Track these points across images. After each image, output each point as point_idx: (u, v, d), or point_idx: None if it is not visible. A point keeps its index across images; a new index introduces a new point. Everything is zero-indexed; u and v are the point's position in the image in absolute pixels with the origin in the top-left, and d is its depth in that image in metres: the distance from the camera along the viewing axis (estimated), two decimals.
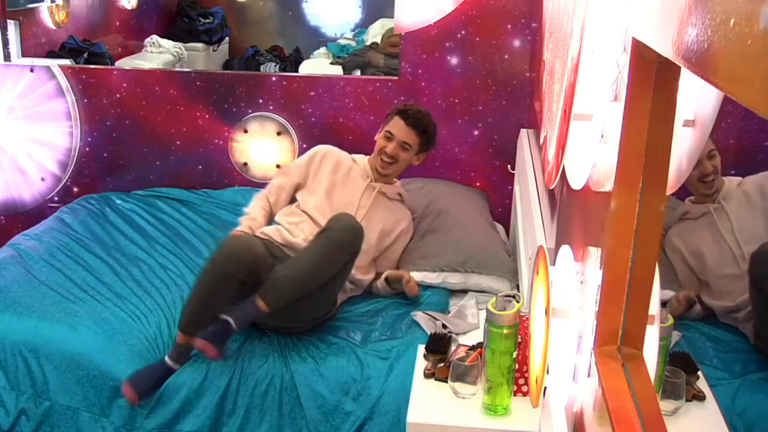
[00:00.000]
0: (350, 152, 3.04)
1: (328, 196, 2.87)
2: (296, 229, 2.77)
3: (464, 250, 2.91)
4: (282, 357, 2.49)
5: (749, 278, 2.02)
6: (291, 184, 2.96)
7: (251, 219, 2.87)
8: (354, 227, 2.46)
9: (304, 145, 3.67)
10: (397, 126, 2.83)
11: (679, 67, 0.87)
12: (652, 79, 0.96)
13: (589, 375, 1.15)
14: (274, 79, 3.71)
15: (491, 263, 2.89)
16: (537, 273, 1.62)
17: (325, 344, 2.55)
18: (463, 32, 3.48)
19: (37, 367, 2.55)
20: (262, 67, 5.82)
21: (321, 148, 3.02)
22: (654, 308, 1.08)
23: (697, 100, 1.02)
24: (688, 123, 1.03)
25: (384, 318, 2.71)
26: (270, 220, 2.92)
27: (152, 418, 2.48)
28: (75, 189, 3.85)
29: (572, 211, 1.61)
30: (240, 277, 2.41)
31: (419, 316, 2.62)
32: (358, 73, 4.76)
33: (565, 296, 1.35)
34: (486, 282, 2.85)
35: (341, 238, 2.43)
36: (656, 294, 1.09)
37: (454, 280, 2.87)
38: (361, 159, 3.00)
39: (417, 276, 2.88)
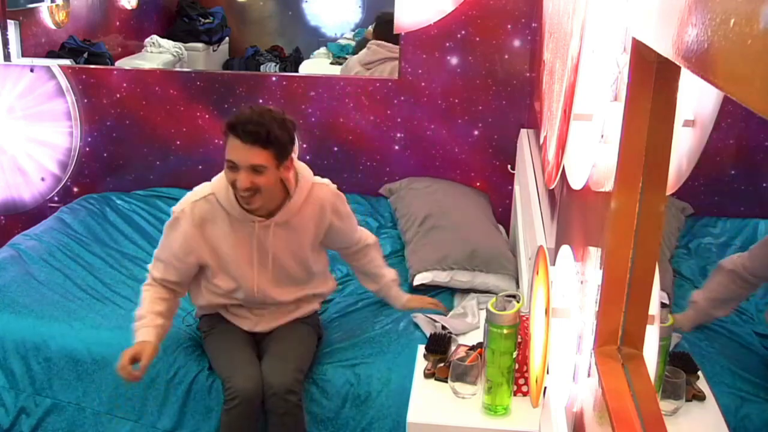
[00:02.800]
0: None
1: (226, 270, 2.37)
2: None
3: (471, 249, 2.91)
4: None
5: None
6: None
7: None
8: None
9: (304, 145, 3.68)
10: (233, 150, 2.15)
11: (679, 67, 0.87)
12: (652, 79, 0.96)
13: (589, 375, 1.15)
14: (274, 79, 3.71)
15: (497, 262, 2.89)
16: (537, 273, 1.62)
17: (324, 347, 2.55)
18: (463, 32, 3.47)
19: (36, 365, 2.56)
20: (262, 67, 5.82)
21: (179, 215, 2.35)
22: (654, 308, 1.08)
23: (697, 100, 1.02)
24: (688, 123, 1.03)
25: (384, 318, 2.71)
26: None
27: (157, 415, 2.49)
28: (75, 189, 3.85)
29: (572, 211, 1.61)
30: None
31: (419, 318, 2.61)
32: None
33: (565, 296, 1.35)
34: (492, 281, 2.85)
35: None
36: (656, 294, 1.09)
37: (462, 278, 2.87)
38: (225, 196, 2.29)
39: (427, 276, 2.88)
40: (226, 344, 2.42)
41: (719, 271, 2.18)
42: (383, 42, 4.00)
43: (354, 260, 2.61)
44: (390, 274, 2.61)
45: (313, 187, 2.35)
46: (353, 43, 5.54)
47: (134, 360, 2.20)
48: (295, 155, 2.28)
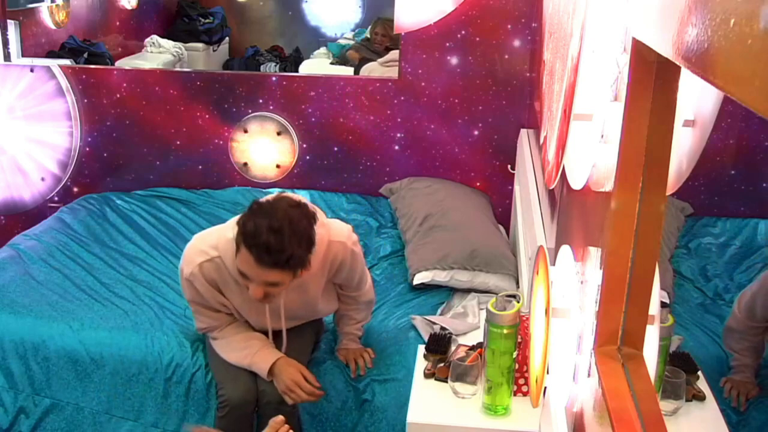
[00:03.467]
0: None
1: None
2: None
3: (471, 249, 2.91)
4: None
5: None
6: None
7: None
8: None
9: (304, 145, 3.68)
10: (248, 265, 2.02)
11: (679, 67, 0.87)
12: (652, 79, 0.96)
13: (589, 375, 1.15)
14: (274, 79, 3.71)
15: (497, 262, 2.89)
16: (537, 273, 1.62)
17: (325, 347, 2.55)
18: (463, 32, 3.47)
19: (35, 365, 2.56)
20: (262, 67, 5.82)
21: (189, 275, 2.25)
22: (654, 308, 1.08)
23: (697, 100, 1.02)
24: (688, 123, 1.03)
25: (384, 318, 2.71)
26: None
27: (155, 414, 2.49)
28: (75, 189, 3.84)
29: (572, 211, 1.61)
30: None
31: (417, 320, 2.61)
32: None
33: (565, 296, 1.35)
34: (492, 281, 2.85)
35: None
36: (656, 294, 1.09)
37: (462, 278, 2.87)
38: (232, 264, 2.17)
39: (427, 275, 2.88)
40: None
41: (730, 335, 2.17)
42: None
43: (342, 302, 2.48)
44: (353, 326, 2.49)
45: (329, 246, 2.22)
46: (353, 43, 5.53)
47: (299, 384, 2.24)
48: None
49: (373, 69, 4.09)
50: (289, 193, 2.22)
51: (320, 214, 2.24)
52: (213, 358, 2.41)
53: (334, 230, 2.26)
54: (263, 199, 2.11)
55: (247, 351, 2.30)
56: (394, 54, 3.89)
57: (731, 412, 1.97)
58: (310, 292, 2.30)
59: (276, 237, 1.95)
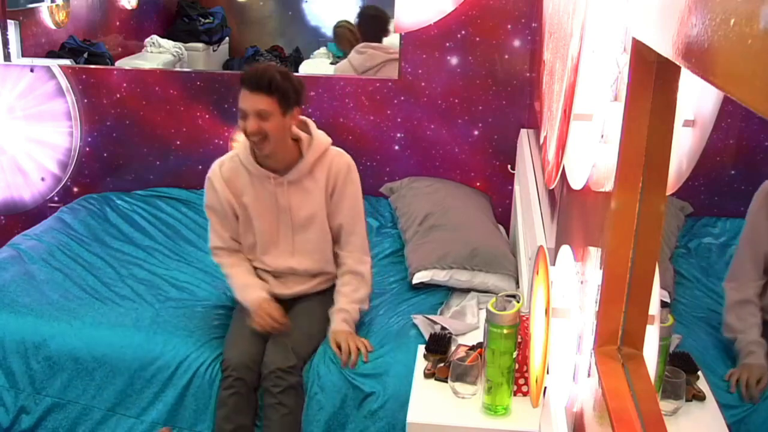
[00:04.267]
0: (350, 152, 3.00)
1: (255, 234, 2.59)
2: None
3: (471, 248, 2.91)
4: None
5: None
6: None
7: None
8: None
9: None
10: (243, 99, 2.39)
11: (679, 67, 0.87)
12: (652, 79, 0.96)
13: (589, 375, 1.15)
14: None
15: (497, 262, 2.89)
16: (537, 273, 1.62)
17: (325, 347, 2.55)
18: (463, 32, 3.47)
19: (36, 365, 2.56)
20: None
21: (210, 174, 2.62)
22: (654, 308, 1.08)
23: (697, 100, 1.02)
24: (688, 123, 1.03)
25: (384, 318, 2.71)
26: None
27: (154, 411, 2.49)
28: (75, 189, 3.84)
29: (572, 211, 1.61)
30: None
31: (418, 319, 2.61)
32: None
33: (565, 296, 1.35)
34: (492, 281, 2.84)
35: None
36: (656, 294, 1.09)
37: (462, 277, 2.87)
38: (245, 154, 2.53)
39: (426, 274, 2.88)
40: (242, 321, 2.52)
41: (732, 313, 2.13)
42: (378, 44, 3.97)
43: (338, 270, 2.61)
44: (345, 302, 2.52)
45: (328, 151, 2.54)
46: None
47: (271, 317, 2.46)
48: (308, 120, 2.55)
49: (345, 72, 4.05)
50: None
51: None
52: (230, 329, 2.56)
53: (337, 147, 2.61)
54: None
55: (246, 289, 2.54)
56: (374, 58, 3.89)
57: (738, 404, 1.96)
58: (311, 195, 2.51)
59: (262, 68, 2.39)
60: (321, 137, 2.56)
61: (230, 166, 2.56)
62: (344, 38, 4.75)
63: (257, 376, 2.39)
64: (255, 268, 2.62)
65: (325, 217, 2.55)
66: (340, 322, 2.49)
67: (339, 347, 2.44)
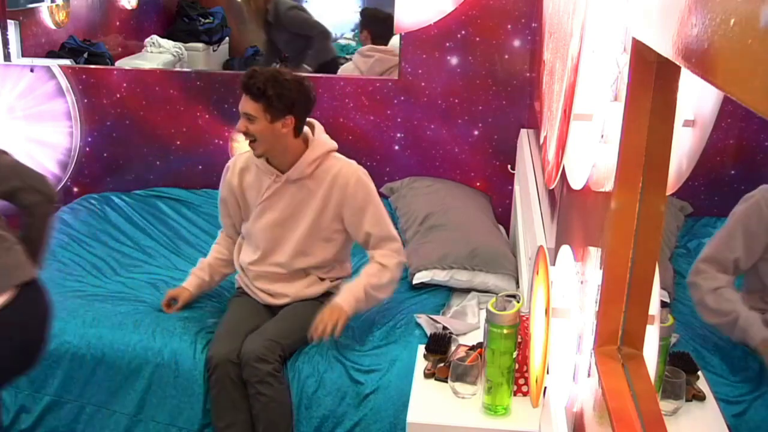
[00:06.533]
0: (350, 152, 2.99)
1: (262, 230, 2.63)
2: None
3: (471, 248, 2.91)
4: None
5: None
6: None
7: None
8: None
9: None
10: (241, 100, 2.47)
11: (679, 67, 0.87)
12: (652, 79, 0.96)
13: (589, 375, 1.15)
14: None
15: (497, 262, 2.89)
16: (537, 273, 1.62)
17: (325, 347, 2.55)
18: (463, 32, 3.47)
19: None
20: None
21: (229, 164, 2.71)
22: (654, 308, 1.08)
23: (697, 100, 1.02)
24: (688, 123, 1.03)
25: (383, 318, 2.71)
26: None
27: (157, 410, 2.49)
28: (75, 189, 3.84)
29: (572, 211, 1.61)
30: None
31: (422, 318, 2.61)
32: None
33: (565, 296, 1.35)
34: (492, 281, 2.84)
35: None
36: (656, 294, 1.09)
37: (462, 277, 2.87)
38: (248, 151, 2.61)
39: (427, 274, 2.88)
40: (231, 314, 2.59)
41: (708, 294, 2.11)
42: (384, 47, 3.97)
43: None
44: (358, 283, 2.53)
45: (329, 158, 2.57)
46: (354, 43, 5.53)
47: (172, 299, 2.70)
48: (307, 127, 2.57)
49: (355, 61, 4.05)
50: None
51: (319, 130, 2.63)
52: (220, 321, 2.59)
53: (345, 158, 2.63)
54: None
55: (194, 270, 2.75)
56: (383, 63, 3.89)
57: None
58: (309, 198, 2.54)
59: (260, 74, 2.42)
60: (322, 140, 2.60)
61: (246, 158, 2.65)
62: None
63: (239, 367, 2.40)
64: (249, 276, 2.65)
65: (319, 220, 2.54)
66: (341, 296, 2.49)
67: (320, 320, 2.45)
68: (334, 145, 2.61)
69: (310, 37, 4.73)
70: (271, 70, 2.47)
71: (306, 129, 2.58)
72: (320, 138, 2.60)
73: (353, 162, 2.62)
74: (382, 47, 3.99)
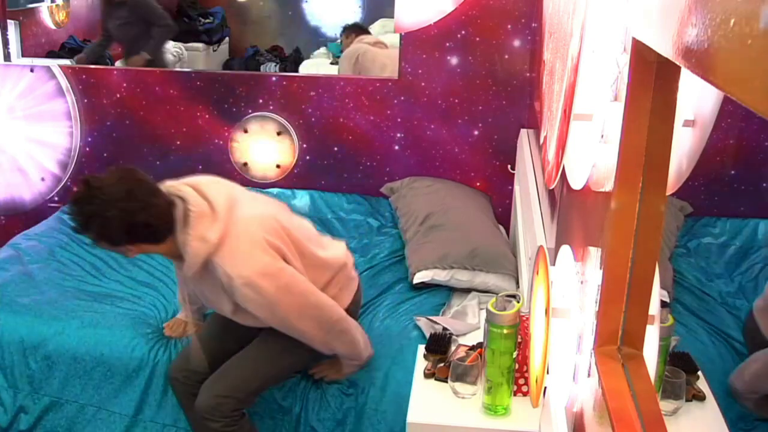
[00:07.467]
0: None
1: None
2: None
3: (471, 248, 2.91)
4: None
5: None
6: None
7: None
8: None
9: (304, 145, 3.68)
10: None
11: (679, 67, 0.87)
12: (652, 79, 0.96)
13: (589, 375, 1.15)
14: (274, 79, 3.71)
15: (497, 262, 2.89)
16: (537, 273, 1.62)
17: None
18: (463, 32, 3.47)
19: (34, 364, 2.57)
20: (262, 67, 5.82)
21: None
22: (654, 308, 1.08)
23: (697, 100, 1.02)
24: (688, 123, 1.03)
25: (383, 318, 2.71)
26: None
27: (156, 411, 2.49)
28: (75, 189, 3.84)
29: (572, 211, 1.61)
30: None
31: (421, 321, 2.61)
32: None
33: (565, 296, 1.35)
34: (492, 281, 2.84)
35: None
36: (656, 294, 1.09)
37: (462, 277, 2.87)
38: None
39: (427, 274, 2.88)
40: (205, 328, 2.50)
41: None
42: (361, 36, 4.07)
43: None
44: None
45: (212, 261, 2.06)
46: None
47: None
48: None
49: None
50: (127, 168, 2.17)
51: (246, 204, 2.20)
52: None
53: (238, 250, 2.07)
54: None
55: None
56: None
57: None
58: (214, 283, 2.13)
59: (74, 208, 2.08)
60: (199, 234, 2.05)
61: None
62: None
63: (188, 380, 2.37)
64: None
65: (224, 295, 2.16)
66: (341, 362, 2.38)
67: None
68: (213, 238, 2.05)
69: (151, 25, 4.63)
70: (93, 204, 2.03)
71: (183, 208, 2.11)
72: (192, 250, 2.04)
73: (250, 255, 2.08)
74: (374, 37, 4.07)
